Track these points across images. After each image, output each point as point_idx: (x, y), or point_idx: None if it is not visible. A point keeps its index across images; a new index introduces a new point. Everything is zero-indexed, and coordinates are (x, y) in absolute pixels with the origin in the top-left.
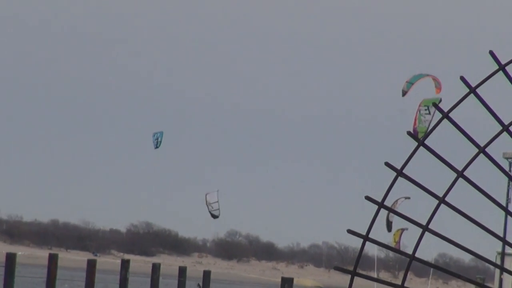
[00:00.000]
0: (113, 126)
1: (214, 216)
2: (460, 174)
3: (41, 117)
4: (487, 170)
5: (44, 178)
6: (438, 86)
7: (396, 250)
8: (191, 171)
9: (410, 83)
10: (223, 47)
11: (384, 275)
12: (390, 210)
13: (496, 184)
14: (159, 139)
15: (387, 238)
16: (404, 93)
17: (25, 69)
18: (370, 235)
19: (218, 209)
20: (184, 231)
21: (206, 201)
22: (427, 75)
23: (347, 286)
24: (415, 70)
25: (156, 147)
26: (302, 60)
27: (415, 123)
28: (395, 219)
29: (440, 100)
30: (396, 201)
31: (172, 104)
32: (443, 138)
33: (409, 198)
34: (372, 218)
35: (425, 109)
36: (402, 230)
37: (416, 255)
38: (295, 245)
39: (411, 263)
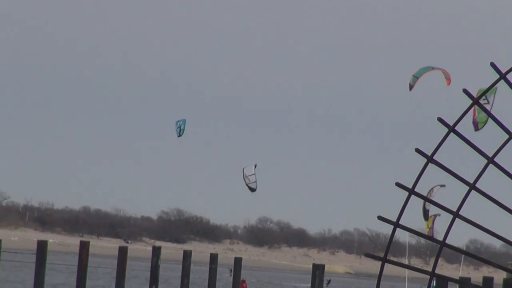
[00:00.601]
0: (146, 112)
1: (252, 189)
2: (491, 160)
3: (73, 104)
4: None
5: (76, 165)
6: (448, 78)
7: (427, 237)
8: (221, 158)
9: (416, 77)
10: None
11: (416, 262)
12: (421, 196)
13: None
14: (181, 127)
15: (418, 225)
16: (410, 87)
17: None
18: (401, 222)
19: (255, 181)
20: (216, 218)
21: (243, 174)
22: (433, 68)
23: (374, 272)
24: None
25: (179, 135)
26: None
27: (474, 114)
28: (431, 207)
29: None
30: (432, 189)
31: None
32: (471, 129)
33: (444, 186)
34: (402, 204)
35: (483, 99)
36: (435, 216)
37: (448, 241)
38: (327, 232)
39: (441, 249)
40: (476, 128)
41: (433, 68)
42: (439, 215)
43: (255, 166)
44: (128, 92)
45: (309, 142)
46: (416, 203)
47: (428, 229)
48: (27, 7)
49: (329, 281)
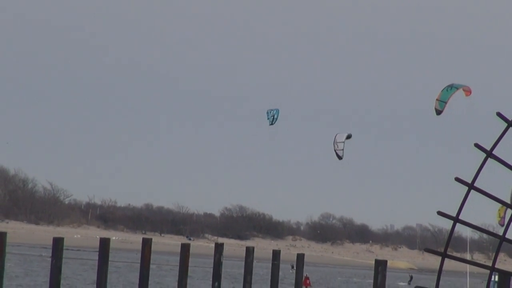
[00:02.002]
0: (206, 109)
1: (339, 157)
2: None
3: (135, 101)
4: None
5: (138, 163)
6: (468, 90)
7: (487, 231)
8: (285, 155)
9: (443, 102)
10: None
11: (478, 257)
12: (480, 191)
13: None
14: (275, 116)
15: (479, 220)
16: (438, 112)
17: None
18: (461, 217)
19: (343, 149)
20: (278, 215)
21: (334, 139)
22: (457, 88)
23: (439, 267)
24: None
25: (271, 124)
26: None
27: None
28: None
29: None
30: None
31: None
32: None
33: None
34: (462, 199)
35: None
36: (507, 207)
37: (510, 235)
38: (389, 227)
39: (501, 244)
40: None
41: (457, 89)
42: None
43: (348, 137)
44: (199, 86)
45: (371, 139)
46: (476, 198)
47: (499, 218)
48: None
49: (411, 278)
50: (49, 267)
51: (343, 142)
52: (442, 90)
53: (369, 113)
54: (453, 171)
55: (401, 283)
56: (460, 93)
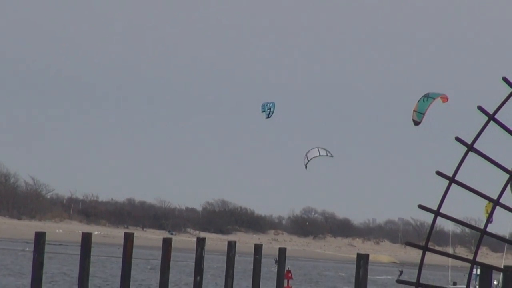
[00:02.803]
0: (188, 104)
1: (305, 166)
2: None
3: (117, 96)
4: None
5: (120, 157)
6: (444, 97)
7: (468, 225)
8: (264, 147)
9: (421, 113)
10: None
11: (460, 250)
12: (461, 185)
13: None
14: (271, 109)
15: (460, 213)
16: (417, 123)
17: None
18: (443, 211)
19: (306, 165)
20: (260, 209)
21: (306, 154)
22: (433, 98)
23: (420, 261)
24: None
25: (268, 117)
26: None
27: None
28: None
29: None
30: None
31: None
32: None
33: None
34: (443, 193)
35: None
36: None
37: (492, 229)
38: (371, 221)
39: (482, 237)
40: None
41: (433, 99)
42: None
43: (320, 155)
44: (171, 83)
45: (353, 133)
46: (457, 192)
47: (486, 214)
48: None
49: (401, 272)
50: (32, 262)
51: (309, 160)
52: (418, 101)
53: (351, 107)
54: (435, 165)
55: (389, 277)
56: (437, 101)
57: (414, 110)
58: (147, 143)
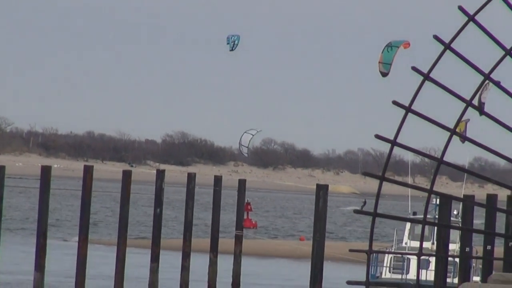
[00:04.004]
0: (147, 34)
1: (244, 154)
2: (487, 77)
3: (74, 27)
4: None
5: (79, 89)
6: (407, 42)
7: (425, 154)
8: (225, 79)
9: (387, 64)
10: None
11: (420, 180)
12: (418, 114)
13: None
14: (236, 42)
15: (417, 143)
16: (385, 75)
17: None
18: (400, 140)
19: (247, 153)
20: (220, 140)
21: (240, 142)
22: (397, 47)
23: (382, 192)
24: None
25: (232, 50)
26: None
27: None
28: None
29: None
30: (488, 83)
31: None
32: (469, 44)
33: (499, 82)
34: (399, 123)
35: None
36: (466, 121)
37: (451, 159)
38: (331, 152)
39: (439, 167)
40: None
41: (397, 47)
42: (469, 120)
43: (253, 136)
44: (130, 12)
45: (309, 63)
46: (414, 122)
47: (460, 132)
48: None
49: (364, 203)
50: None
51: (248, 146)
52: (382, 52)
53: (310, 39)
54: (393, 95)
55: (349, 208)
56: (400, 49)
57: (379, 62)
58: (106, 76)
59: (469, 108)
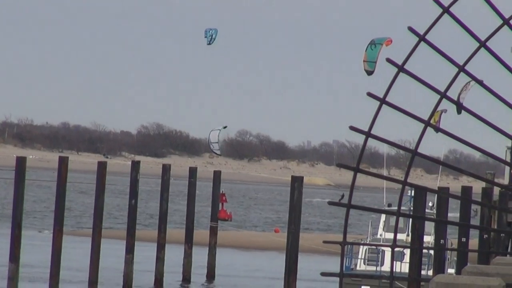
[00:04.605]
0: (122, 25)
1: (217, 154)
2: (462, 69)
3: (51, 16)
4: (492, 66)
5: (54, 80)
6: (389, 40)
7: (400, 146)
8: (200, 70)
9: (372, 62)
10: None
11: (395, 172)
12: (392, 106)
13: (503, 81)
14: (213, 36)
15: (392, 135)
16: (370, 73)
17: None
18: (375, 132)
19: (219, 149)
20: (195, 132)
21: (208, 139)
22: (381, 44)
23: (357, 184)
24: None
25: (209, 43)
26: None
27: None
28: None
29: None
30: (469, 82)
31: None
32: (444, 35)
33: (482, 81)
34: (374, 114)
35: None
36: (442, 111)
37: (425, 151)
38: (306, 144)
39: (413, 158)
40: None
41: (381, 44)
42: (446, 111)
43: (220, 131)
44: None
45: (285, 56)
46: (388, 114)
47: (434, 122)
48: None
49: (342, 196)
50: None
51: (217, 142)
52: (366, 50)
53: (285, 32)
54: (368, 87)
55: (324, 200)
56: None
57: (364, 60)
58: (81, 67)
59: (444, 100)
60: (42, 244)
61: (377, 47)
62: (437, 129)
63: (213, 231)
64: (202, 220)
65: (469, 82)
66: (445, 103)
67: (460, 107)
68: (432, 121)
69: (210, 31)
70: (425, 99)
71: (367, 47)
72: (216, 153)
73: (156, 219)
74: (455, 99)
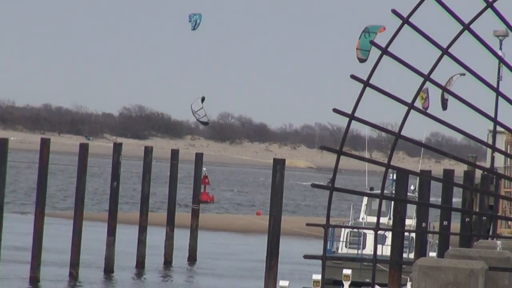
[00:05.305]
0: (105, 6)
1: (204, 123)
2: (445, 52)
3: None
4: (476, 50)
5: (36, 61)
6: (383, 27)
7: (383, 129)
8: (183, 53)
9: (366, 51)
10: None
11: (377, 155)
12: (375, 88)
13: (486, 64)
14: (197, 21)
15: (375, 118)
16: (363, 61)
17: None
18: (358, 115)
19: (206, 115)
20: (177, 114)
21: (192, 111)
22: (375, 33)
23: (340, 167)
24: None
25: (193, 29)
26: None
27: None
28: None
29: None
30: (452, 77)
31: None
32: (428, 18)
33: (464, 74)
34: (357, 97)
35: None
36: (426, 89)
37: (408, 134)
38: (288, 126)
39: (396, 141)
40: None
41: (375, 33)
42: (464, 74)
43: (203, 100)
44: None
45: (268, 37)
46: (372, 96)
47: (422, 101)
48: None
49: (331, 182)
50: None
51: (202, 108)
52: (360, 38)
53: (268, 14)
54: (351, 69)
55: (305, 183)
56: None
57: (357, 48)
58: (64, 47)
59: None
60: (24, 226)
61: (371, 36)
62: (422, 112)
63: (195, 214)
64: (183, 202)
65: (452, 77)
66: (430, 86)
67: (444, 105)
68: (419, 100)
69: (194, 16)
70: (409, 82)
71: (361, 35)
72: (202, 122)
73: (137, 201)
74: (439, 97)
